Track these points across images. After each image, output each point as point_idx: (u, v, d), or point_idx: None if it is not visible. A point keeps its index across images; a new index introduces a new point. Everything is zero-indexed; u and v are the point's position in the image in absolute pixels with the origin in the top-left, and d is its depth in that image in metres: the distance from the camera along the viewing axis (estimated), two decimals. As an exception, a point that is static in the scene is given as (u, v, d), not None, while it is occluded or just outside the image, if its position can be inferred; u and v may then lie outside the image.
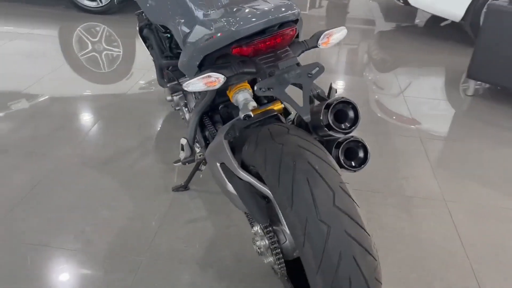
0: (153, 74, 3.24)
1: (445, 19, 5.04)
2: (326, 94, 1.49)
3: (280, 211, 1.15)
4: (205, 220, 1.91)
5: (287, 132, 1.23)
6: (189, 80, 1.16)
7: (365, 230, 1.08)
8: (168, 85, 1.97)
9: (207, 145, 1.71)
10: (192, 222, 1.89)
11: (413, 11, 5.43)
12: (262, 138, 1.27)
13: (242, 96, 1.47)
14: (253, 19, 1.04)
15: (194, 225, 1.88)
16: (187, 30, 1.42)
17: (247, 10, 1.07)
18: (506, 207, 2.09)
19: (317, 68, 1.02)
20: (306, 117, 1.07)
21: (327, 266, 1.05)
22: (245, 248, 1.78)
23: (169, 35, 1.88)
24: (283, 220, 1.29)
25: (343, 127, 1.25)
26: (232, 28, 1.06)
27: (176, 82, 1.95)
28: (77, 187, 2.07)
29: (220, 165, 1.48)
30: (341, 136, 1.29)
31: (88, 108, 2.77)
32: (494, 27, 3.00)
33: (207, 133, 1.73)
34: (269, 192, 1.31)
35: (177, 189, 2.07)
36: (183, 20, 1.52)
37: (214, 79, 1.14)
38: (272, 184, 1.16)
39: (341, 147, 1.29)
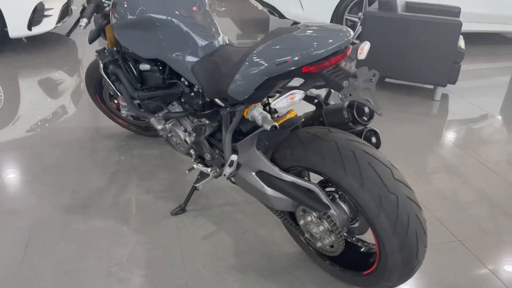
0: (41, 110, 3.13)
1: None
2: (324, 97, 1.80)
3: (349, 194, 1.41)
4: (218, 233, 2.04)
5: (329, 131, 1.51)
6: (277, 98, 1.36)
7: (412, 190, 1.42)
8: (156, 115, 2.04)
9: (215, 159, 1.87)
10: (208, 238, 2.01)
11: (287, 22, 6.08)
12: (308, 141, 1.51)
13: (257, 112, 1.70)
14: (331, 42, 1.29)
15: (211, 240, 2.00)
16: (218, 60, 1.60)
17: (320, 35, 1.31)
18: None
19: (375, 74, 1.32)
20: (380, 112, 1.36)
21: (401, 226, 1.37)
22: (267, 247, 1.97)
23: (153, 69, 1.95)
24: (333, 204, 1.55)
25: (365, 119, 1.58)
26: (312, 51, 1.29)
27: (166, 111, 2.04)
28: (72, 235, 1.99)
29: (256, 174, 1.68)
30: (360, 128, 1.61)
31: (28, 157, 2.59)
32: (370, 28, 3.68)
33: (217, 150, 1.89)
34: (313, 186, 1.56)
35: (175, 212, 2.15)
36: (204, 52, 1.70)
37: (296, 95, 1.36)
38: (337, 174, 1.41)
39: (362, 137, 1.61)
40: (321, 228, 1.57)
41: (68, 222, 2.06)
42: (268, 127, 1.63)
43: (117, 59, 2.16)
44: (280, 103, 1.37)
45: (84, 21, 1.77)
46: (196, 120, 1.97)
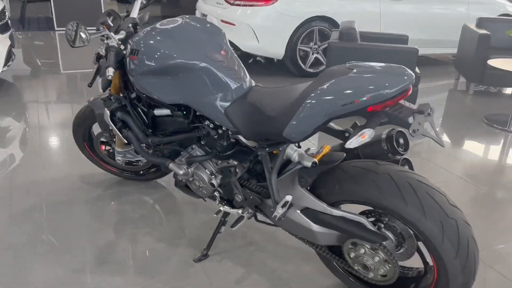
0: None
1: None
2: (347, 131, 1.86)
3: (410, 224, 1.47)
4: (249, 275, 2.00)
5: (378, 164, 1.57)
6: (351, 140, 1.39)
7: (463, 213, 1.51)
8: (177, 160, 1.98)
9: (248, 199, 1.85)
10: (241, 281, 1.96)
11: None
12: (359, 175, 1.56)
13: (292, 150, 1.73)
14: (398, 82, 1.35)
15: (245, 283, 1.95)
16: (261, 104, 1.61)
17: (385, 75, 1.37)
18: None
19: (431, 107, 1.40)
20: (443, 144, 1.44)
21: (462, 250, 1.45)
22: (302, 282, 1.96)
23: (176, 114, 1.91)
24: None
25: (402, 150, 1.67)
26: (381, 92, 1.34)
27: (188, 155, 1.98)
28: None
29: (302, 211, 1.69)
30: (398, 158, 1.70)
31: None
32: (334, 58, 3.88)
33: (248, 190, 1.87)
34: (360, 218, 1.61)
35: (199, 259, 2.07)
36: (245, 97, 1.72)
37: (366, 134, 1.40)
38: (398, 205, 1.47)
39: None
40: (377, 258, 1.61)
41: (86, 284, 1.90)
42: (309, 164, 1.65)
43: (125, 105, 2.09)
44: (353, 143, 1.41)
45: (111, 70, 1.68)
46: (221, 161, 1.94)
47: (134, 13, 2.09)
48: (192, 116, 1.90)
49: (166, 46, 1.75)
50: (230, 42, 5.03)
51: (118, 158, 2.44)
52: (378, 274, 1.65)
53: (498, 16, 6.02)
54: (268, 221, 1.93)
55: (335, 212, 1.63)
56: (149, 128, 2.09)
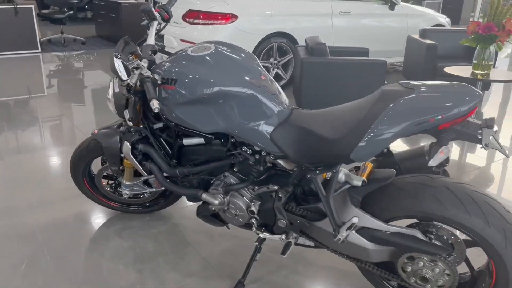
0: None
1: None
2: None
3: (473, 233, 1.53)
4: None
5: (432, 178, 1.62)
6: (433, 158, 1.41)
7: None
8: (211, 190, 1.90)
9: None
10: (287, 308, 1.91)
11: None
12: (417, 190, 1.60)
13: (341, 173, 1.74)
14: (469, 100, 1.40)
15: (291, 309, 1.91)
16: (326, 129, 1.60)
17: (455, 94, 1.41)
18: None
19: (494, 120, 1.48)
20: (507, 154, 1.52)
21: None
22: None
23: (214, 142, 1.84)
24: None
25: (445, 163, 1.74)
26: (456, 110, 1.39)
27: (222, 183, 1.91)
28: None
29: (357, 231, 1.70)
30: (437, 169, 1.76)
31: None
32: (307, 73, 3.97)
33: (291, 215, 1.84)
34: (414, 231, 1.65)
35: None
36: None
37: (444, 151, 1.43)
38: (461, 217, 1.53)
39: None
40: (437, 270, 1.66)
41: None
42: (359, 183, 1.67)
43: (146, 136, 1.97)
44: (436, 161, 1.45)
45: (156, 102, 1.57)
46: (258, 187, 1.89)
47: (151, 39, 1.99)
48: (229, 144, 1.84)
49: (206, 74, 1.68)
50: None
51: (126, 191, 2.29)
52: (436, 285, 1.70)
53: (431, 26, 6.52)
54: (308, 243, 1.92)
55: (392, 229, 1.65)
56: (173, 158, 1.99)
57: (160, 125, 1.98)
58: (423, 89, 1.48)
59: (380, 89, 1.60)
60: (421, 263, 1.68)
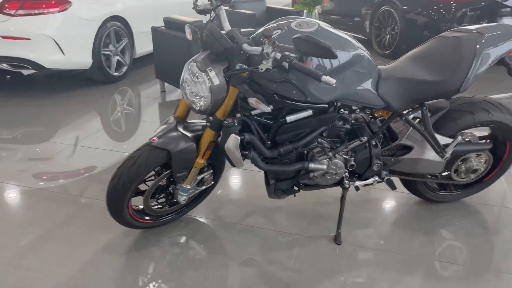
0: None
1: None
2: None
3: (505, 125, 2.21)
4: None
5: (471, 97, 2.22)
6: None
7: None
8: (317, 158, 2.00)
9: None
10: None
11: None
12: (471, 107, 2.18)
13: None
14: None
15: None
16: None
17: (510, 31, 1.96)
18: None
19: None
20: None
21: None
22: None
23: (330, 111, 1.94)
24: None
25: None
26: None
27: (322, 149, 2.02)
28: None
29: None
30: None
31: None
32: (157, 42, 4.22)
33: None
34: (459, 139, 2.26)
35: (337, 240, 2.19)
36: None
37: None
38: (499, 116, 2.19)
39: None
40: (482, 160, 2.31)
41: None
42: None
43: (248, 125, 1.89)
44: None
45: (330, 78, 1.55)
46: (348, 143, 2.08)
47: (227, 24, 1.85)
48: (337, 109, 1.97)
49: (331, 47, 1.76)
50: (26, 61, 4.16)
51: (184, 197, 2.10)
52: (481, 171, 2.35)
53: None
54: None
55: (455, 141, 2.19)
56: (267, 141, 1.97)
57: (258, 111, 1.90)
58: (489, 30, 2.02)
59: (451, 35, 2.05)
60: (472, 160, 2.30)
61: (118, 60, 4.98)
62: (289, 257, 2.10)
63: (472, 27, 2.09)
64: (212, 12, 1.98)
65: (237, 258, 2.09)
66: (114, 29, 4.84)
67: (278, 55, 1.60)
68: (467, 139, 2.27)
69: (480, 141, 2.34)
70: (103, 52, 4.72)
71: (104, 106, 4.18)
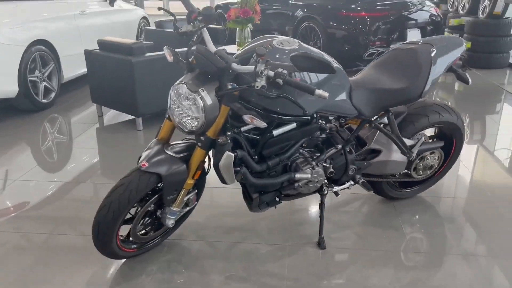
0: None
1: None
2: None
3: (452, 125, 2.49)
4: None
5: (425, 101, 2.48)
6: (468, 78, 2.17)
7: None
8: (301, 168, 2.09)
9: None
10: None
11: None
12: (424, 110, 2.43)
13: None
14: (462, 43, 2.24)
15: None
16: None
17: (456, 41, 2.21)
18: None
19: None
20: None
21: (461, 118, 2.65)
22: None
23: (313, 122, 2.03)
24: None
25: None
26: (462, 49, 2.20)
27: (305, 160, 2.10)
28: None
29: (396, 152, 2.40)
30: None
31: None
32: (92, 65, 4.15)
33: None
34: (421, 138, 2.51)
35: (321, 244, 2.29)
36: None
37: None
38: (447, 117, 2.47)
39: None
40: (436, 157, 2.56)
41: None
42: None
43: (236, 141, 1.92)
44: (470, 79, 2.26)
45: (323, 91, 1.64)
46: (325, 151, 2.20)
47: (211, 45, 1.87)
48: (318, 120, 2.07)
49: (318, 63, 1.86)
50: None
51: (172, 220, 2.07)
52: (435, 167, 2.61)
53: (141, 19, 7.03)
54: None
55: (420, 142, 2.42)
56: (256, 155, 2.02)
57: (248, 127, 1.94)
58: (436, 41, 2.27)
59: (406, 47, 2.28)
60: (428, 158, 2.55)
61: (45, 86, 4.68)
62: (281, 267, 2.16)
63: (421, 39, 2.35)
64: (195, 34, 2.00)
65: (232, 275, 2.10)
66: (40, 54, 4.55)
67: (271, 73, 1.67)
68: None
69: (430, 140, 2.61)
70: (29, 78, 4.42)
71: (35, 136, 3.90)
